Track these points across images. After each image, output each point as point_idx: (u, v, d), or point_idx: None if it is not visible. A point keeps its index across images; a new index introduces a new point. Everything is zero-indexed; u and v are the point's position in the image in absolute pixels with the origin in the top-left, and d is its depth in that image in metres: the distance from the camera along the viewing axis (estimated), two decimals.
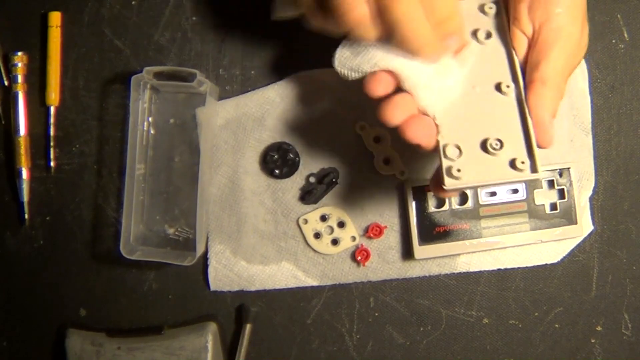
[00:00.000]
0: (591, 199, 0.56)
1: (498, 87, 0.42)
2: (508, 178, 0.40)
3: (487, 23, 0.44)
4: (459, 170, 0.40)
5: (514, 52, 0.43)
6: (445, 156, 0.41)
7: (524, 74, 0.42)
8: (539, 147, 0.40)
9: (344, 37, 0.42)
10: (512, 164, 0.40)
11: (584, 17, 0.42)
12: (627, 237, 0.56)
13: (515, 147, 0.41)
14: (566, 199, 0.54)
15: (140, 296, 0.57)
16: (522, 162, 0.40)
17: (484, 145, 0.41)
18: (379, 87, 0.40)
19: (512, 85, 0.42)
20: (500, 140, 0.41)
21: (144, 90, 0.55)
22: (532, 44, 0.42)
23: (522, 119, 0.41)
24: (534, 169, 0.40)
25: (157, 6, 0.56)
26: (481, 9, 0.45)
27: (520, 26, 0.42)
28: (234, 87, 0.56)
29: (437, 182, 0.41)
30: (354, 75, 0.42)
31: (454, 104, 0.42)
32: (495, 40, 0.44)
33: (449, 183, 0.40)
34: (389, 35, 0.39)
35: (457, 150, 0.41)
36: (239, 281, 0.56)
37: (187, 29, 0.56)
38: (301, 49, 0.56)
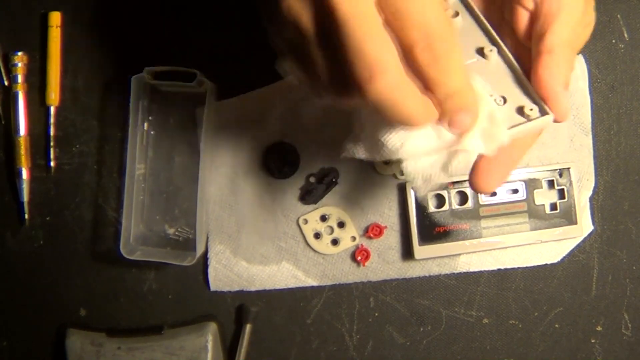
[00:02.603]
0: (591, 199, 0.56)
1: (480, 53, 0.41)
2: (525, 126, 0.38)
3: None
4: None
5: (481, 17, 0.41)
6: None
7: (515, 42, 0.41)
8: (555, 121, 0.38)
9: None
10: (522, 112, 0.38)
11: None
12: (627, 237, 0.56)
13: (518, 98, 0.39)
14: (566, 199, 0.54)
15: (140, 296, 0.57)
16: (531, 109, 0.38)
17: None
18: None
19: (494, 48, 0.41)
20: (503, 97, 0.39)
21: (144, 90, 0.55)
22: (534, 17, 0.40)
23: (515, 75, 0.40)
24: (542, 111, 0.38)
25: (157, 6, 0.56)
26: None
27: (522, 1, 0.41)
28: (234, 87, 0.56)
29: (478, 173, 0.38)
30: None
31: None
32: (463, 15, 0.42)
33: (506, 134, 0.37)
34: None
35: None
36: (239, 281, 0.56)
37: (187, 29, 0.56)
38: None
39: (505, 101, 0.39)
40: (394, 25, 0.32)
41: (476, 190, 0.39)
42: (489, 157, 0.37)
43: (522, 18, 0.41)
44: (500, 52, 0.41)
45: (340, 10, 0.31)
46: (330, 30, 0.32)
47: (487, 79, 0.40)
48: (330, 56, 0.33)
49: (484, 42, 0.41)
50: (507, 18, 0.42)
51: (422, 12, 0.32)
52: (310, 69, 0.36)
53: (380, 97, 0.32)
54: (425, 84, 0.33)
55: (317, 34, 0.33)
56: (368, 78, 0.31)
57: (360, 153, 0.42)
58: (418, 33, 0.32)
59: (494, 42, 0.41)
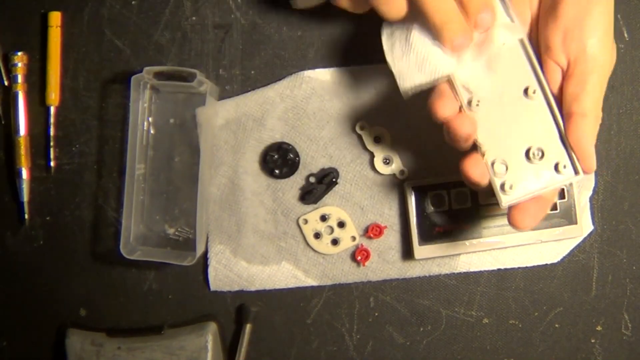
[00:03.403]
0: (591, 199, 0.56)
1: (525, 93, 0.43)
2: (556, 184, 0.42)
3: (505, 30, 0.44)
4: (511, 187, 0.41)
5: (533, 57, 0.43)
6: (495, 174, 0.42)
7: (558, 99, 0.43)
8: (584, 173, 0.42)
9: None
10: (556, 168, 0.42)
11: (613, 40, 0.42)
12: (627, 237, 0.56)
13: (556, 152, 0.42)
14: (566, 199, 0.54)
15: (140, 296, 0.57)
16: (564, 166, 0.42)
17: (527, 155, 0.42)
18: (446, 108, 0.42)
19: (539, 89, 0.42)
20: (541, 149, 0.42)
21: (144, 90, 0.55)
22: (567, 75, 0.42)
23: (555, 122, 0.42)
24: (576, 171, 0.42)
25: (157, 6, 0.56)
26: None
27: (554, 57, 0.42)
28: (234, 87, 0.56)
29: (517, 212, 0.43)
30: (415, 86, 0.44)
31: (487, 115, 0.43)
32: (513, 45, 0.43)
33: (505, 200, 0.42)
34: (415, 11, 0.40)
35: (504, 166, 0.42)
36: (239, 281, 0.57)
37: (187, 29, 0.56)
38: (301, 48, 0.56)
39: (542, 155, 0.42)
40: None
41: (514, 226, 0.43)
42: (528, 200, 0.42)
43: (555, 73, 0.43)
44: (545, 95, 0.43)
45: None
46: None
47: (527, 121, 0.42)
48: None
49: (531, 81, 0.43)
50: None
51: None
52: None
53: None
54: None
55: None
56: None
57: None
58: None
59: (540, 84, 0.43)
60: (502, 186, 0.42)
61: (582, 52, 0.41)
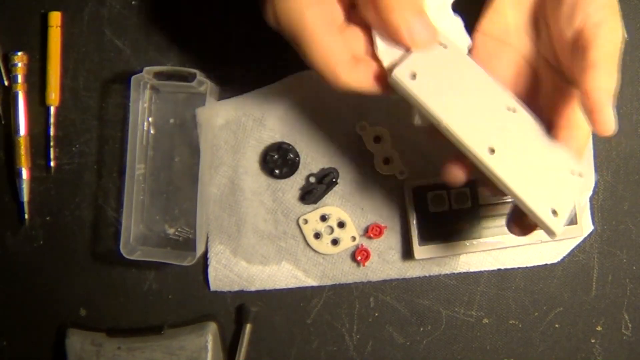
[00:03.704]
0: (591, 199, 0.56)
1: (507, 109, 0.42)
2: (581, 194, 0.42)
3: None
4: (554, 212, 0.39)
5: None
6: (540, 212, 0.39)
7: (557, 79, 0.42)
8: (602, 133, 0.38)
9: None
10: (574, 177, 0.41)
11: (618, 14, 0.42)
12: (627, 237, 0.56)
13: (566, 160, 0.41)
14: None
15: (140, 296, 0.57)
16: (580, 173, 0.41)
17: (544, 169, 0.40)
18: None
19: (517, 105, 0.42)
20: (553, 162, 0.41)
21: (144, 90, 0.55)
22: (575, 44, 0.41)
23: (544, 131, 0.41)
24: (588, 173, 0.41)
25: (157, 6, 0.56)
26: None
27: (564, 37, 0.42)
28: (234, 87, 0.56)
29: (519, 223, 0.42)
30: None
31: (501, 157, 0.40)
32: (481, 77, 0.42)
33: (557, 230, 0.39)
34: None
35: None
36: (239, 281, 0.57)
37: (187, 29, 0.56)
38: None
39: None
40: None
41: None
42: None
43: (564, 48, 0.42)
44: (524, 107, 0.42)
45: None
46: None
47: (523, 135, 0.41)
48: None
49: (506, 99, 0.42)
50: (556, 55, 0.43)
51: None
52: None
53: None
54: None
55: None
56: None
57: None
58: None
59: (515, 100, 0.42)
60: (555, 213, 0.39)
61: (587, 17, 0.41)
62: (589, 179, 0.41)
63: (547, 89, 0.44)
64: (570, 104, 0.42)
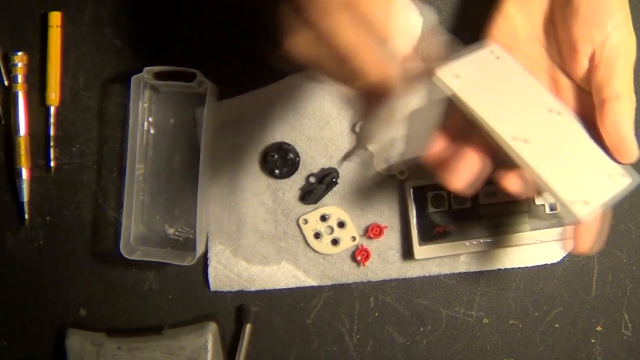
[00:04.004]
0: None
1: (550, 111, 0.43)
2: (618, 190, 0.41)
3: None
4: (585, 202, 0.40)
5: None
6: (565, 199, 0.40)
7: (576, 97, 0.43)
8: (625, 162, 0.41)
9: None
10: (611, 177, 0.41)
11: (631, 24, 0.42)
12: (627, 237, 0.56)
13: (602, 163, 0.41)
14: None
15: (140, 296, 0.57)
16: (621, 174, 0.41)
17: (577, 169, 0.41)
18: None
19: (561, 108, 0.43)
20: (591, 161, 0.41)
21: (144, 90, 0.55)
22: (594, 64, 0.42)
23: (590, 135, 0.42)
24: (631, 174, 0.41)
25: (157, 6, 0.56)
26: None
27: (579, 49, 0.42)
28: (234, 87, 0.56)
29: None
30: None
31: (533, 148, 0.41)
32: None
33: (584, 214, 0.40)
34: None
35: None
36: (239, 281, 0.57)
37: (187, 29, 0.56)
38: None
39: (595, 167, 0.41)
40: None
41: (578, 251, 0.42)
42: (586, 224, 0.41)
43: (582, 67, 0.42)
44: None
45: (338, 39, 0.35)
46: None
47: (566, 138, 0.42)
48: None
49: (549, 101, 0.43)
50: (565, 63, 0.44)
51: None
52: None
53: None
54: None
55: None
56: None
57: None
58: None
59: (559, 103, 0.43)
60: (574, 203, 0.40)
61: (606, 37, 0.41)
62: (633, 179, 0.41)
63: (567, 95, 0.45)
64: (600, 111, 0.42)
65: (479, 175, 0.42)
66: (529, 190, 0.42)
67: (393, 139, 0.43)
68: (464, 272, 0.56)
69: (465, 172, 0.42)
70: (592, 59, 0.42)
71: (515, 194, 0.42)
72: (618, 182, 0.41)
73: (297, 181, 0.56)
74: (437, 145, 0.43)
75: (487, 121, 0.41)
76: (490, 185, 0.54)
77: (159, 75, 0.54)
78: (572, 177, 0.41)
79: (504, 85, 0.43)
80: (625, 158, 0.41)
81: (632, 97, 0.41)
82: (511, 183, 0.41)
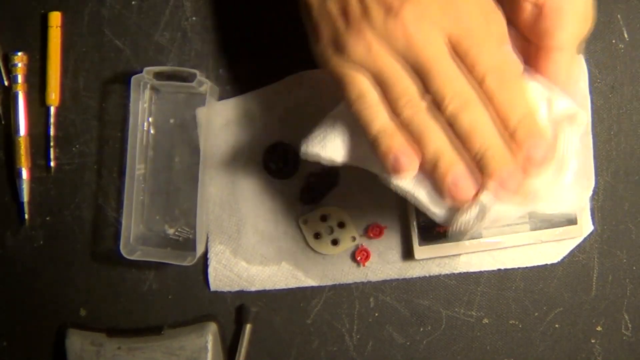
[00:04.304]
0: (591, 199, 0.56)
1: None
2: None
3: None
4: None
5: None
6: None
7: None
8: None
9: None
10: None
11: None
12: (627, 237, 0.56)
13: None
14: None
15: (140, 296, 0.57)
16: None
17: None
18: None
19: None
20: None
21: (144, 90, 0.55)
22: (540, 13, 0.40)
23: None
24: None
25: (157, 6, 0.56)
26: None
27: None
28: (234, 87, 0.56)
29: None
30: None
31: None
32: None
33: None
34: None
35: None
36: (239, 281, 0.57)
37: (187, 29, 0.56)
38: (302, 48, 0.56)
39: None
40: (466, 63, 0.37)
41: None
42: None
43: (526, 11, 0.41)
44: None
45: (424, 56, 0.37)
46: (413, 66, 0.37)
47: None
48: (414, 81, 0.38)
49: None
50: (509, 9, 0.42)
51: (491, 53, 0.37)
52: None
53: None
54: (496, 109, 0.37)
55: (401, 65, 0.38)
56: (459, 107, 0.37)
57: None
58: (488, 67, 0.37)
59: None
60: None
61: None
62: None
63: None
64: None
65: None
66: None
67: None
68: (464, 272, 0.56)
69: None
70: (537, 4, 0.40)
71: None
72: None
73: (297, 181, 0.56)
74: None
75: None
76: None
77: (159, 75, 0.54)
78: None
79: None
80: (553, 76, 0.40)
81: (573, 52, 0.40)
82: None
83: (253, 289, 0.57)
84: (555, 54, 0.40)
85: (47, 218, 0.57)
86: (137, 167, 0.54)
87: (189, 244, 0.56)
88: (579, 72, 0.42)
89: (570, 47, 0.40)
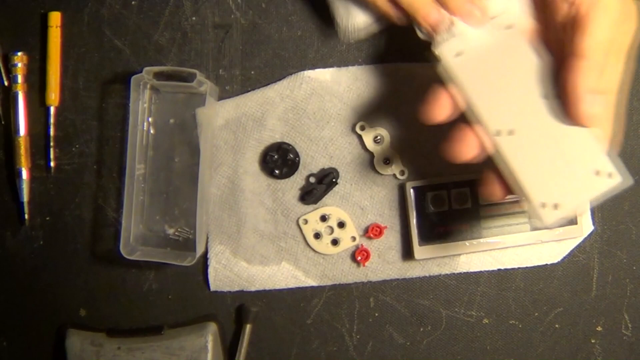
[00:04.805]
0: None
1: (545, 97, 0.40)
2: (600, 191, 0.39)
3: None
4: (555, 206, 0.38)
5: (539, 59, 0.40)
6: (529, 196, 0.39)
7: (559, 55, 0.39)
8: (578, 122, 0.37)
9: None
10: (598, 174, 0.39)
11: None
12: (627, 237, 0.56)
13: (591, 156, 0.39)
14: None
15: (140, 296, 0.57)
16: (609, 174, 0.39)
17: (562, 164, 0.39)
18: (441, 111, 0.40)
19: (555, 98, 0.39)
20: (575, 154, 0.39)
21: (144, 90, 0.55)
22: (571, 12, 0.38)
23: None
24: (622, 173, 0.38)
25: (157, 6, 0.56)
26: None
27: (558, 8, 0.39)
28: (234, 87, 0.56)
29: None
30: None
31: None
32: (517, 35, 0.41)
33: (550, 220, 0.39)
34: None
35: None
36: (239, 281, 0.57)
37: (187, 29, 0.56)
38: (301, 48, 0.56)
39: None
40: None
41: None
42: None
43: (562, 12, 0.39)
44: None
45: None
46: None
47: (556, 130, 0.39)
48: None
49: (548, 87, 0.40)
50: (547, 12, 0.40)
51: None
52: None
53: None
54: None
55: None
56: None
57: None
58: None
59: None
60: (543, 206, 0.39)
61: None
62: (623, 179, 0.39)
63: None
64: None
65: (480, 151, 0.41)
66: (499, 191, 0.40)
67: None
68: (464, 272, 0.56)
69: (468, 147, 0.40)
70: (571, 5, 0.38)
71: (489, 195, 0.41)
72: (603, 182, 0.39)
73: (297, 181, 0.56)
74: (444, 112, 0.41)
75: (476, 109, 0.40)
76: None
77: (159, 75, 0.54)
78: (552, 175, 0.39)
79: (505, 68, 0.40)
80: (575, 119, 0.38)
81: (599, 61, 0.37)
82: (487, 186, 0.40)
83: (253, 289, 0.57)
84: (578, 61, 0.36)
85: (47, 218, 0.57)
86: (137, 167, 0.54)
87: (189, 244, 0.56)
88: (609, 106, 0.39)
89: (593, 56, 0.36)
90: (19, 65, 0.56)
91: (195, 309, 0.57)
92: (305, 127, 0.56)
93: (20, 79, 0.56)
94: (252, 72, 0.56)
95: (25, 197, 0.57)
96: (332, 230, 0.56)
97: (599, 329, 0.57)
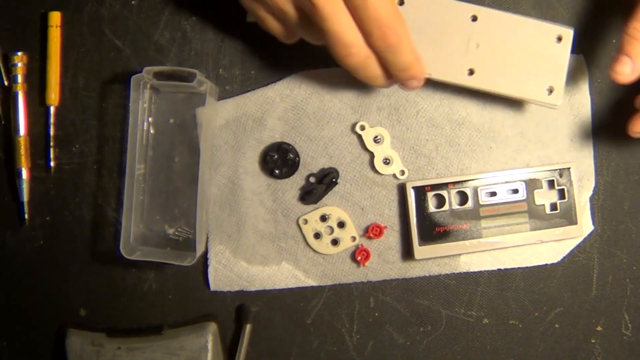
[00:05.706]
0: (591, 199, 0.56)
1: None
2: (567, 52, 0.48)
3: None
4: (550, 90, 0.48)
5: None
6: None
7: None
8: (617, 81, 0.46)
9: None
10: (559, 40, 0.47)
11: None
12: (627, 237, 0.56)
13: (543, 31, 0.47)
14: (566, 199, 0.54)
15: (140, 296, 0.57)
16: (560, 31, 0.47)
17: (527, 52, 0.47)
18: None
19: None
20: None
21: (144, 90, 0.55)
22: None
23: None
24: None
25: (157, 6, 0.56)
26: None
27: None
28: (234, 87, 0.56)
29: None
30: None
31: None
32: None
33: (558, 101, 0.48)
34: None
35: None
36: (239, 281, 0.57)
37: (187, 29, 0.56)
38: (301, 48, 0.56)
39: None
40: (356, 18, 0.43)
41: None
42: None
43: None
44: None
45: (322, 9, 0.42)
46: (312, 19, 0.44)
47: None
48: (311, 32, 0.47)
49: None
50: None
51: (376, 8, 0.42)
52: (286, 30, 0.49)
53: (352, 67, 0.46)
54: (382, 62, 0.45)
55: (299, 18, 0.46)
56: (345, 55, 0.45)
57: None
58: (374, 25, 0.43)
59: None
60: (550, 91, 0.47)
61: None
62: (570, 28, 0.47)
63: None
64: None
65: None
66: None
67: None
68: (464, 272, 0.56)
69: None
70: None
71: None
72: (565, 44, 0.45)
73: (297, 181, 0.56)
74: None
75: (435, 75, 0.47)
76: (490, 185, 0.54)
77: (159, 75, 0.54)
78: (527, 71, 0.45)
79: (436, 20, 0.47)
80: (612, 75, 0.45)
81: None
82: None
83: (253, 289, 0.57)
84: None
85: (47, 218, 0.57)
86: (137, 167, 0.54)
87: (188, 244, 0.56)
88: None
89: None
90: (19, 65, 0.56)
91: (195, 308, 0.57)
92: (305, 127, 0.56)
93: (20, 78, 0.56)
94: (252, 72, 0.56)
95: (25, 197, 0.57)
96: (332, 230, 0.56)
97: (599, 329, 0.57)
